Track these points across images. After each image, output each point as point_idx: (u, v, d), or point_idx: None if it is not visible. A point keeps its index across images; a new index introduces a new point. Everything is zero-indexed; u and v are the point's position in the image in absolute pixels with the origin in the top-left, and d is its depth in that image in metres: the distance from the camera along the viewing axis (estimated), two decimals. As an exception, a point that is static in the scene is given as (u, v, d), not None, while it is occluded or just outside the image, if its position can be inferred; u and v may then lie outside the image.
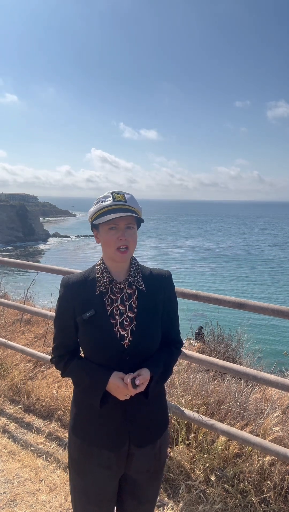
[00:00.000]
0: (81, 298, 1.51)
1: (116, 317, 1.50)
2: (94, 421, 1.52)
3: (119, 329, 1.48)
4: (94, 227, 1.54)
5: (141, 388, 1.41)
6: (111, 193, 1.47)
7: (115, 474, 1.55)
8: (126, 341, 1.47)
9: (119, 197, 1.46)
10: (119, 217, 1.42)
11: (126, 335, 1.48)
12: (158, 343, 1.55)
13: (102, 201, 1.48)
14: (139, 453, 1.53)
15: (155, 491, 1.66)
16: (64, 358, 1.57)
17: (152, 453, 1.57)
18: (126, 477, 1.58)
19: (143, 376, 1.42)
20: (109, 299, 1.52)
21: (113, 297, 1.52)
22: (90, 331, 1.48)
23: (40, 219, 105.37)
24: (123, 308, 1.51)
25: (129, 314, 1.51)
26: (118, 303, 1.52)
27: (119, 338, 1.47)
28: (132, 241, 1.49)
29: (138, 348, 1.48)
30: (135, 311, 1.51)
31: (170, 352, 1.61)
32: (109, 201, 1.46)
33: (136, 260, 1.62)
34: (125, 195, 1.48)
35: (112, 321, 1.49)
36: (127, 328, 1.49)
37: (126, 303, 1.52)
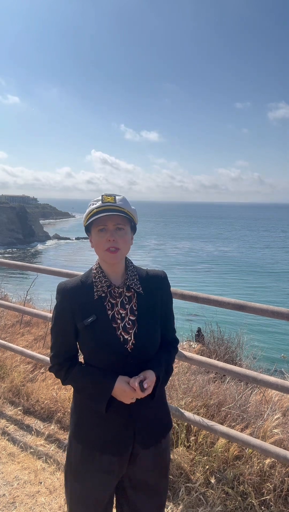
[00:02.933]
0: (80, 303, 1.50)
1: (118, 321, 1.49)
2: (98, 425, 1.51)
3: (122, 333, 1.48)
4: (87, 230, 1.55)
5: (148, 391, 1.41)
6: (102, 196, 1.48)
7: (116, 477, 1.54)
8: (130, 344, 1.47)
9: (108, 198, 1.46)
10: (107, 215, 1.43)
11: (129, 338, 1.48)
12: (158, 344, 1.56)
13: (93, 204, 1.49)
14: (144, 453, 1.53)
15: (164, 486, 1.66)
16: (65, 365, 1.55)
17: (156, 452, 1.57)
18: (130, 477, 1.58)
19: (150, 379, 1.42)
20: (109, 303, 1.51)
21: (113, 301, 1.52)
22: (93, 337, 1.47)
23: (40, 221, 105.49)
24: (124, 312, 1.51)
25: (131, 317, 1.51)
26: (119, 307, 1.51)
27: (123, 342, 1.47)
28: (123, 241, 1.48)
29: (142, 351, 1.48)
30: (136, 314, 1.51)
31: (169, 352, 1.62)
32: (99, 203, 1.47)
33: (132, 263, 1.62)
34: (116, 197, 1.48)
35: (114, 325, 1.48)
36: (130, 331, 1.49)
37: (126, 306, 1.52)
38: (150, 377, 1.42)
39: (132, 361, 1.47)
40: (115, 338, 1.47)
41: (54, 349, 1.57)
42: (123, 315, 1.51)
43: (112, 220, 1.46)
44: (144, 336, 1.49)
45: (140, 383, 1.39)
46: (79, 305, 1.50)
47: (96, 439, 1.50)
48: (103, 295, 1.51)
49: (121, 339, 1.47)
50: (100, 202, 1.47)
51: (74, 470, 1.56)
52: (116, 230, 1.47)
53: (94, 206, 1.47)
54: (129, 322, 1.50)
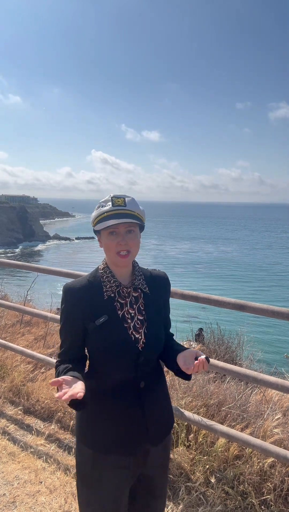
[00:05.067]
0: (89, 303, 1.49)
1: (129, 321, 1.51)
2: (108, 427, 1.48)
3: (133, 333, 1.50)
4: (96, 232, 1.54)
5: (206, 367, 1.40)
6: (111, 197, 1.46)
7: (132, 475, 1.53)
8: (141, 343, 1.49)
9: (118, 201, 1.45)
10: (119, 223, 1.42)
11: (140, 337, 1.50)
12: (164, 341, 1.60)
13: (102, 206, 1.47)
14: (153, 450, 1.56)
15: (165, 485, 1.69)
16: (65, 363, 1.49)
17: (163, 447, 1.60)
18: (140, 476, 1.58)
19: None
20: (118, 304, 1.52)
21: (122, 301, 1.53)
22: (105, 337, 1.46)
23: (41, 220, 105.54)
24: (133, 312, 1.53)
25: (139, 317, 1.53)
26: (128, 307, 1.53)
27: (134, 341, 1.48)
28: (134, 244, 1.49)
29: (151, 349, 1.51)
30: (144, 313, 1.54)
31: (176, 343, 1.66)
32: (108, 206, 1.45)
33: (138, 263, 1.64)
34: (126, 198, 1.47)
35: (125, 325, 1.50)
36: (140, 330, 1.51)
37: (134, 306, 1.54)
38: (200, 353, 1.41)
39: (142, 359, 1.49)
40: (127, 337, 1.48)
41: (63, 347, 1.54)
42: (132, 314, 1.52)
43: (123, 224, 1.45)
44: (153, 335, 1.52)
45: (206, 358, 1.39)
46: (89, 306, 1.49)
47: (108, 441, 1.48)
48: (112, 295, 1.52)
49: (133, 339, 1.49)
50: (111, 205, 1.45)
51: (87, 476, 1.52)
52: (127, 233, 1.47)
53: (105, 209, 1.45)
54: (138, 321, 1.52)
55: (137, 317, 1.52)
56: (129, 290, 1.54)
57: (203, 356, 1.39)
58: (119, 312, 1.50)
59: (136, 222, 1.46)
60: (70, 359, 1.53)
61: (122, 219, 1.42)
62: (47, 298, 6.44)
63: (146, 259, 57.29)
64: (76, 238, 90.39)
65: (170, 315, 1.73)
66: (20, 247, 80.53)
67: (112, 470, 1.49)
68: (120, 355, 1.46)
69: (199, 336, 6.73)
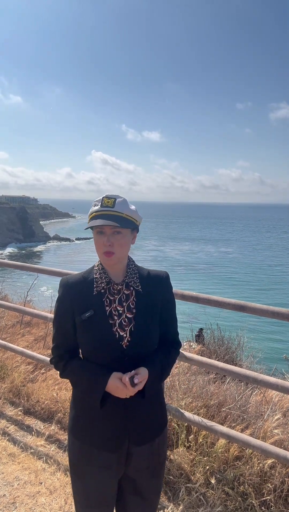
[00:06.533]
0: (80, 298, 1.53)
1: (115, 318, 1.51)
2: (94, 422, 1.52)
3: (118, 330, 1.50)
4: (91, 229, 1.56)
5: (139, 387, 1.42)
6: (102, 197, 1.48)
7: (115, 474, 1.55)
8: (125, 341, 1.49)
9: (108, 202, 1.47)
10: (103, 225, 1.43)
11: (125, 335, 1.50)
12: (155, 343, 1.57)
13: (95, 205, 1.50)
14: (138, 451, 1.54)
15: (157, 488, 1.67)
16: (64, 358, 1.57)
17: (150, 451, 1.58)
18: (126, 477, 1.59)
19: (142, 375, 1.43)
20: (107, 300, 1.53)
21: (111, 298, 1.54)
22: (90, 331, 1.49)
23: (41, 221, 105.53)
24: (122, 309, 1.53)
25: (128, 315, 1.52)
26: (116, 303, 1.53)
27: (118, 339, 1.49)
28: (119, 245, 1.48)
29: (137, 349, 1.50)
30: (134, 311, 1.53)
31: (168, 352, 1.62)
32: (98, 206, 1.48)
33: (134, 261, 1.63)
34: (117, 199, 1.48)
35: (111, 322, 1.50)
36: (126, 328, 1.50)
37: (124, 303, 1.54)
38: (141, 373, 1.43)
39: (128, 358, 1.48)
40: (111, 334, 1.48)
41: (55, 341, 1.60)
42: (120, 311, 1.52)
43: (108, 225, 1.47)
44: (140, 334, 1.50)
45: (131, 378, 1.41)
46: (79, 300, 1.52)
47: (93, 435, 1.52)
48: (102, 291, 1.53)
49: (117, 336, 1.49)
50: (100, 205, 1.48)
51: (75, 467, 1.58)
52: (114, 234, 1.48)
53: (94, 209, 1.49)
54: (126, 319, 1.52)
55: (125, 315, 1.52)
56: (120, 287, 1.55)
57: (127, 378, 1.40)
58: (107, 308, 1.52)
59: (119, 226, 1.43)
60: (66, 351, 1.58)
61: (107, 221, 1.43)
62: (47, 298, 6.45)
63: (146, 259, 57.27)
64: (76, 239, 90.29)
65: None
66: (9, 249, 78.89)
67: (97, 463, 1.52)
68: (102, 350, 1.48)
69: (199, 337, 6.73)
